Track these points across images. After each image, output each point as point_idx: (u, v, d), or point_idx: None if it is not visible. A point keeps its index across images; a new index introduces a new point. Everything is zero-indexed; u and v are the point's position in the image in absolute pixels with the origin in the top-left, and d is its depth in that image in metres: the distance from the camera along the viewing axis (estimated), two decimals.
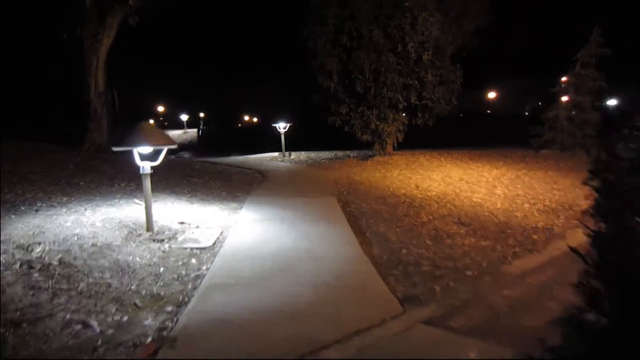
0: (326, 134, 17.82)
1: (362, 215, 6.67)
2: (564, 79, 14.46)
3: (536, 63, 46.92)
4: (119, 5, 9.52)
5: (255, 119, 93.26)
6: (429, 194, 8.04)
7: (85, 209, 5.92)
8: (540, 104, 52.03)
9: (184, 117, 37.11)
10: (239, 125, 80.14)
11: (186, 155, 21.21)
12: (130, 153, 5.13)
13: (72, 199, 6.33)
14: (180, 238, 5.21)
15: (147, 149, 5.07)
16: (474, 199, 7.78)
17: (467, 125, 27.69)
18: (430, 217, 6.62)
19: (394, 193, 8.03)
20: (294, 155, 15.22)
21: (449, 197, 7.85)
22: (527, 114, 49.98)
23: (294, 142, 18.25)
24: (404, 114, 11.98)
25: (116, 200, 6.52)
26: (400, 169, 10.37)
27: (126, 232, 5.18)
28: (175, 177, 8.59)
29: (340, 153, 15.60)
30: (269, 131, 18.74)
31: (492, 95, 53.31)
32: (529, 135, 13.87)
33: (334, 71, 11.48)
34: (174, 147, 5.34)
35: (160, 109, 70.07)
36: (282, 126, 15.02)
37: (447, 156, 12.62)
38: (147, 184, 5.32)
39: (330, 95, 11.91)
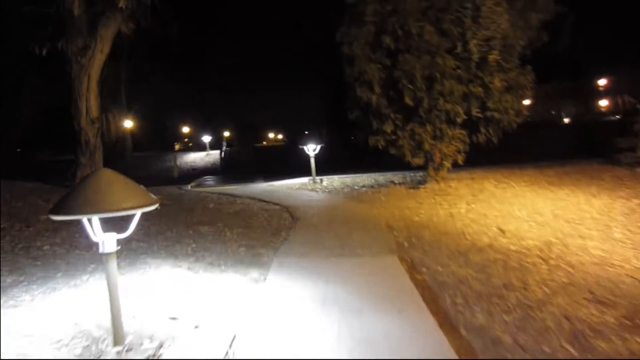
0: (361, 154, 15.73)
1: (442, 288, 4.50)
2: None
3: (571, 64, 43.74)
4: (112, 13, 7.77)
5: (280, 136, 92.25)
6: (524, 243, 5.79)
7: (33, 298, 3.96)
8: (574, 109, 48.50)
9: (206, 139, 35.69)
10: (264, 143, 79.05)
11: (209, 181, 19.43)
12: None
13: (22, 278, 4.39)
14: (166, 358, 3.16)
15: (106, 216, 3.08)
16: (592, 251, 5.48)
17: (510, 136, 25.14)
18: (547, 290, 4.39)
19: (474, 243, 5.82)
20: (326, 181, 13.18)
21: (556, 248, 5.59)
22: (566, 120, 46.54)
23: (325, 163, 16.24)
24: (463, 130, 9.78)
25: (86, 276, 4.55)
26: (467, 201, 8.15)
27: (79, 351, 3.18)
28: (179, 226, 6.64)
29: (380, 177, 13.43)
30: (296, 150, 16.85)
31: (526, 101, 50.01)
32: (617, 150, 11.43)
33: (376, 80, 9.43)
34: (152, 208, 3.30)
35: (186, 129, 69.67)
36: (311, 148, 13.03)
37: (515, 178, 10.33)
38: (113, 270, 3.31)
39: (372, 110, 9.84)
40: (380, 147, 10.15)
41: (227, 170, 26.93)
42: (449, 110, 9.12)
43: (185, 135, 66.95)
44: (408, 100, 9.24)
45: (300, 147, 13.18)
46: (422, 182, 10.67)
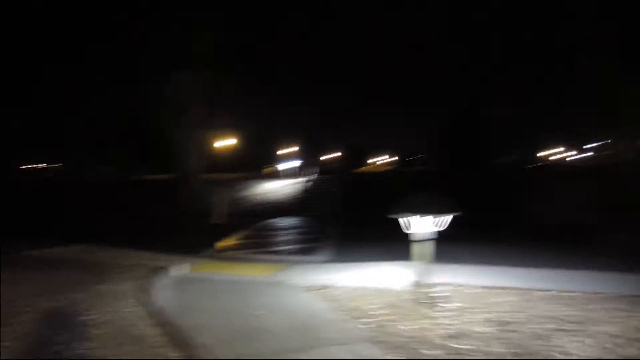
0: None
1: None
2: None
3: None
4: None
5: (390, 159, 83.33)
6: None
7: None
8: None
9: (283, 166, 29.36)
10: (373, 164, 71.10)
11: (251, 239, 12.56)
12: None
13: None
14: None
15: None
16: None
17: None
18: None
19: None
20: (459, 303, 5.33)
21: None
22: None
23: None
24: None
25: None
26: None
27: None
28: None
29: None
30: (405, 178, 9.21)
31: None
32: None
33: None
34: None
35: (286, 151, 64.43)
36: (422, 224, 5.34)
37: None
38: None
39: None
40: None
41: (307, 209, 20.03)
42: None
43: (284, 157, 61.10)
44: None
45: (393, 217, 5.52)
46: None
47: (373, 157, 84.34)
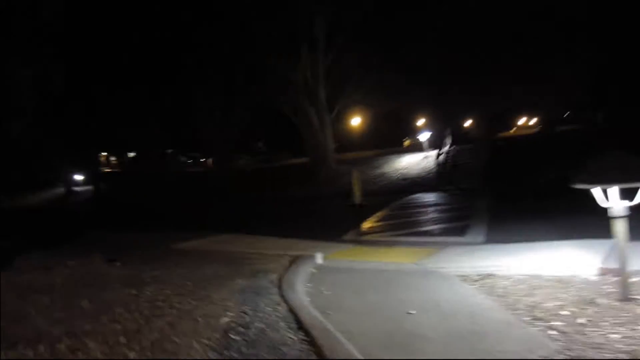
0: None
1: None
2: None
3: None
4: None
5: (533, 121, 74.61)
6: None
7: None
8: None
9: (424, 137, 27.71)
10: (513, 131, 64.34)
11: (390, 218, 11.80)
12: None
13: None
14: None
15: None
16: None
17: None
18: None
19: None
20: None
21: None
22: None
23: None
24: None
25: None
26: None
27: None
28: None
29: None
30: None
31: None
32: None
33: None
34: None
35: (421, 122, 61.18)
36: (611, 193, 3.94)
37: None
38: None
39: None
40: None
41: (445, 183, 18.57)
42: None
43: (422, 128, 57.65)
44: None
45: (580, 186, 4.20)
46: None
47: (513, 120, 76.08)
